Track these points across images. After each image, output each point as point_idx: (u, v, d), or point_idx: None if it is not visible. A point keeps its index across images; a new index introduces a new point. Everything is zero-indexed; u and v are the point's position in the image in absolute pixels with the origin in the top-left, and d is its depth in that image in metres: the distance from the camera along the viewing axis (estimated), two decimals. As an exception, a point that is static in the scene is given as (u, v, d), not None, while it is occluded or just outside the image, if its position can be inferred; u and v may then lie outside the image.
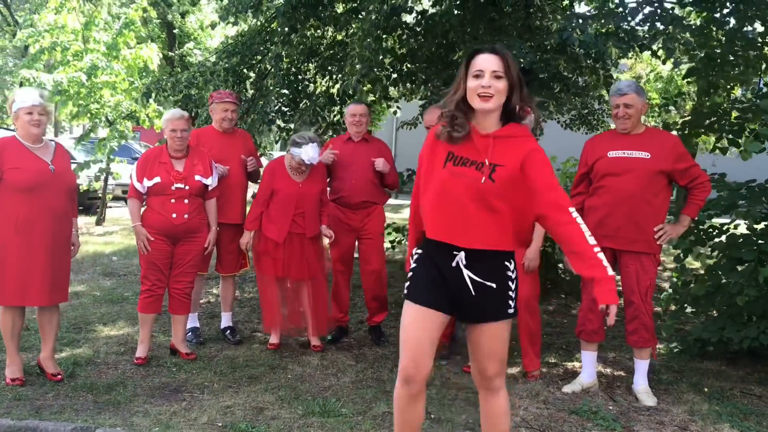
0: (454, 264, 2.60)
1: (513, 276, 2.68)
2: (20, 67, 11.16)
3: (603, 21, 4.82)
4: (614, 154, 4.02)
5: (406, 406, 2.70)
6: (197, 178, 4.49)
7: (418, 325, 2.64)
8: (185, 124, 4.49)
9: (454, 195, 2.55)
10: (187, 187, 4.44)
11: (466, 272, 2.59)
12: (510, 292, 2.66)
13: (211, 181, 4.61)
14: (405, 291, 2.73)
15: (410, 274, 2.73)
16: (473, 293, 2.61)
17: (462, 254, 2.59)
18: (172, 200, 4.42)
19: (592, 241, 2.49)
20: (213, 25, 7.07)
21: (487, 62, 2.50)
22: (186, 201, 4.45)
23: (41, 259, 3.95)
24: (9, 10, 28.02)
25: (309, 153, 4.62)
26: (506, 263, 2.65)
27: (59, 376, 4.13)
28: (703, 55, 5.51)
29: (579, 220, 2.50)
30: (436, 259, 2.65)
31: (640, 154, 3.97)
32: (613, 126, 4.40)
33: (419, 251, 2.74)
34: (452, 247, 2.60)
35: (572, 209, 2.51)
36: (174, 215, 4.42)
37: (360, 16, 6.29)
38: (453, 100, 2.59)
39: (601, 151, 4.09)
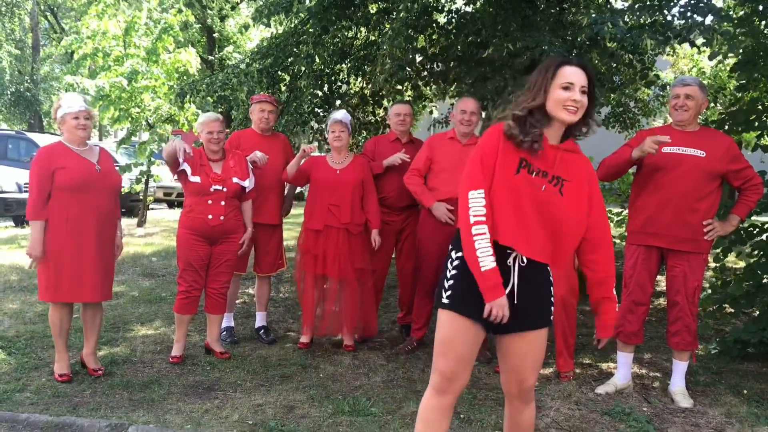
0: (508, 263, 2.48)
1: (552, 281, 2.61)
2: (64, 73, 11.47)
3: (638, 14, 4.72)
4: (668, 150, 3.92)
5: (436, 419, 2.56)
6: (235, 180, 4.56)
7: (462, 339, 2.51)
8: (220, 125, 4.57)
9: (526, 204, 2.46)
10: (224, 189, 4.51)
11: (516, 275, 2.50)
12: (552, 298, 2.60)
13: (248, 183, 4.66)
14: (445, 299, 2.55)
15: (451, 282, 2.55)
16: (522, 298, 2.50)
17: (518, 254, 2.49)
18: (209, 201, 4.49)
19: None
20: (246, 27, 7.15)
21: (577, 76, 2.46)
22: (222, 203, 4.52)
23: (91, 257, 4.08)
24: (56, 18, 28.85)
25: (341, 113, 4.85)
26: (548, 267, 2.59)
27: (100, 372, 4.25)
28: (749, 46, 5.37)
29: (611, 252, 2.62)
30: None
31: (696, 152, 3.88)
32: (647, 126, 4.30)
33: (459, 254, 2.54)
34: (507, 248, 2.48)
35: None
36: (210, 216, 4.48)
37: (392, 16, 6.29)
38: (528, 107, 2.50)
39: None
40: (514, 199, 2.46)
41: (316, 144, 4.97)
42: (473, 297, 2.48)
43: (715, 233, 3.94)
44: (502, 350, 2.63)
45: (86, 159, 4.14)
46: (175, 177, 4.62)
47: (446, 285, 2.57)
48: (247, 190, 4.69)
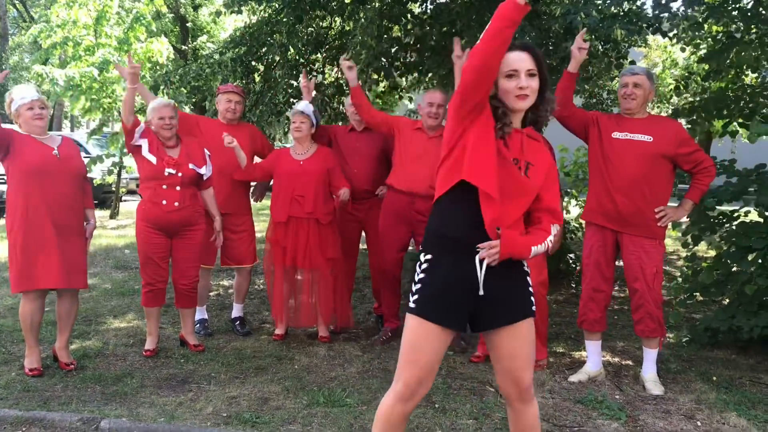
0: (477, 260, 2.37)
1: (527, 271, 2.54)
2: (32, 62, 11.27)
3: (608, 3, 4.75)
4: (618, 136, 3.99)
5: (400, 425, 2.50)
6: (191, 166, 4.45)
7: (430, 346, 2.41)
8: (172, 111, 4.47)
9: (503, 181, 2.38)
10: (179, 174, 4.39)
11: (484, 270, 2.39)
12: (530, 288, 2.53)
13: (205, 171, 4.56)
14: (412, 304, 2.45)
15: (419, 285, 2.46)
16: (495, 290, 2.41)
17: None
18: (164, 186, 4.37)
19: (547, 239, 2.46)
20: (218, 14, 7.10)
21: (521, 61, 2.37)
22: (177, 188, 4.39)
23: (53, 243, 3.99)
24: (24, 6, 28.30)
25: (302, 104, 4.87)
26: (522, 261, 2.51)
27: (72, 366, 4.20)
28: (718, 37, 5.44)
29: (552, 232, 2.49)
30: (453, 259, 2.42)
31: (643, 137, 3.94)
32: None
33: (428, 257, 2.46)
34: (473, 241, 2.38)
35: (555, 226, 2.50)
36: (164, 202, 4.36)
37: (367, 6, 6.26)
38: (491, 97, 2.44)
39: (606, 130, 4.04)
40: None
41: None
42: (441, 302, 2.42)
43: (668, 219, 3.99)
44: (494, 351, 2.52)
45: (45, 144, 4.06)
46: (130, 153, 4.51)
47: (413, 289, 2.49)
48: (205, 178, 4.59)
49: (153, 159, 4.37)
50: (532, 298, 2.52)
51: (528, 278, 2.54)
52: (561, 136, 4.95)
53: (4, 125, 3.98)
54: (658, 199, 3.97)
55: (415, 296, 2.46)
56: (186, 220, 4.47)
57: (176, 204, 4.40)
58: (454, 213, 2.42)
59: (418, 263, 2.51)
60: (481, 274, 2.39)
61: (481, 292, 2.41)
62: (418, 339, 2.43)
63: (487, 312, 2.44)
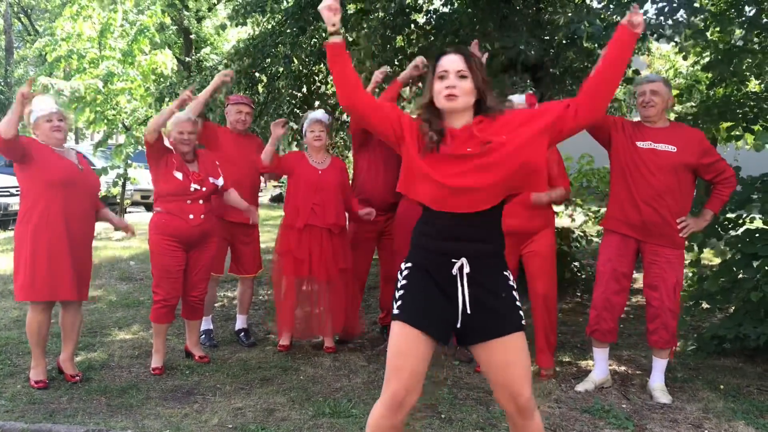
0: (453, 272, 2.41)
1: (515, 287, 2.53)
2: (37, 75, 11.32)
3: (610, 11, 4.76)
4: (642, 145, 3.94)
5: None
6: (211, 180, 4.51)
7: (414, 352, 2.42)
8: (192, 126, 4.48)
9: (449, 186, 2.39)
10: (204, 189, 4.44)
11: (465, 280, 2.41)
12: (518, 303, 2.50)
13: (221, 181, 4.59)
14: (396, 310, 2.48)
15: (401, 292, 2.50)
16: (477, 306, 2.42)
17: (463, 260, 2.40)
18: (188, 201, 4.40)
19: None
20: (222, 26, 7.16)
21: (451, 63, 2.42)
22: (201, 202, 4.44)
23: (66, 255, 4.02)
24: (30, 19, 28.48)
25: (320, 112, 4.87)
26: (505, 273, 2.51)
27: (77, 378, 4.20)
28: (721, 46, 5.45)
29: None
30: (431, 270, 2.45)
31: (667, 147, 3.90)
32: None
33: (408, 265, 2.52)
34: (449, 253, 2.43)
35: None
36: (191, 216, 4.39)
37: (370, 17, 6.29)
38: (422, 105, 2.51)
39: (628, 138, 3.99)
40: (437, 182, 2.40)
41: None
42: (422, 309, 2.43)
43: (689, 230, 3.97)
44: (484, 365, 2.51)
45: (67, 158, 4.11)
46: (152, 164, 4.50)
47: (396, 296, 2.51)
48: (220, 188, 4.61)
49: (180, 175, 4.39)
50: (521, 312, 2.50)
51: (514, 292, 2.51)
52: (566, 145, 4.97)
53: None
54: (682, 209, 3.95)
55: (398, 302, 2.50)
56: (206, 233, 4.51)
57: (202, 217, 4.43)
58: (430, 225, 2.47)
59: (400, 271, 2.55)
60: (463, 290, 2.41)
61: (468, 311, 2.42)
62: (403, 345, 2.44)
63: (473, 325, 2.44)
